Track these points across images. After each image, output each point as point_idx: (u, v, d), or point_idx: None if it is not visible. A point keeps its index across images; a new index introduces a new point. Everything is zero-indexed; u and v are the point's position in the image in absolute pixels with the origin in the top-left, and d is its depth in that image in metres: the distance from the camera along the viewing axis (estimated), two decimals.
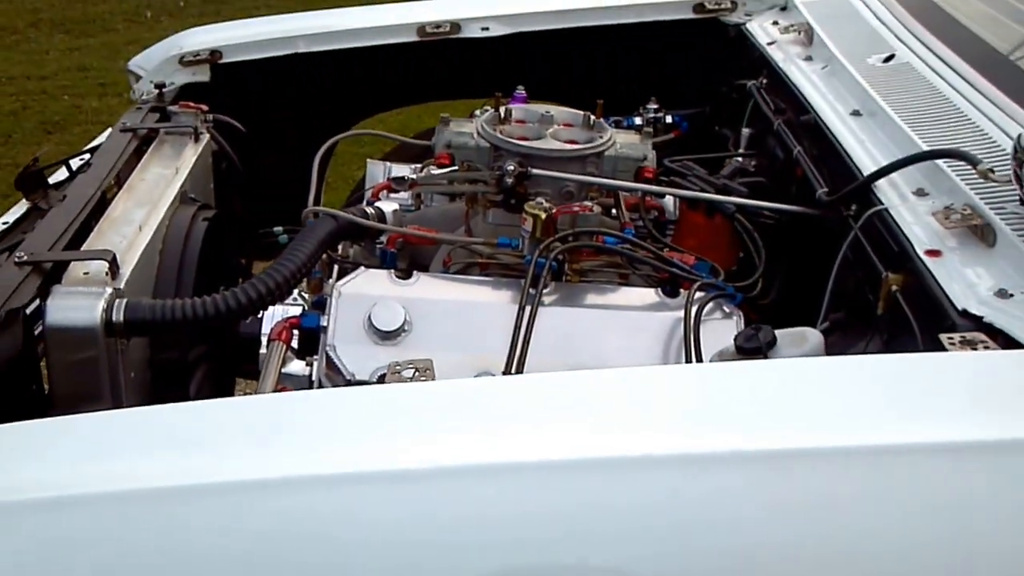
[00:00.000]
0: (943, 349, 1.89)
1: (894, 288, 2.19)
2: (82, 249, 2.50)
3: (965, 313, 1.98)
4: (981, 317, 1.96)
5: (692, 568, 1.60)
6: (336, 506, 1.60)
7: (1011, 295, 2.00)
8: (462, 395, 1.84)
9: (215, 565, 1.58)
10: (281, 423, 1.76)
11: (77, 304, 2.28)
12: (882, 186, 2.42)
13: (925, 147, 2.47)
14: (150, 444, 1.72)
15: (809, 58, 3.30)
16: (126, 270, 2.44)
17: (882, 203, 2.36)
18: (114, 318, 2.28)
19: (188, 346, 2.67)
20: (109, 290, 2.31)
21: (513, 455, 1.63)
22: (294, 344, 2.62)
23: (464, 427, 1.72)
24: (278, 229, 3.17)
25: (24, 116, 8.49)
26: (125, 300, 2.31)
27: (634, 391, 1.81)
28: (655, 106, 3.46)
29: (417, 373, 1.96)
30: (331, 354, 2.46)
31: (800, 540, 1.60)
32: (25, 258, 2.37)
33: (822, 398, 1.75)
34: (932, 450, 1.63)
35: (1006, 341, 1.89)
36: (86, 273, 2.37)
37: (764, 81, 3.33)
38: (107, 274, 2.36)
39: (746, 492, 1.61)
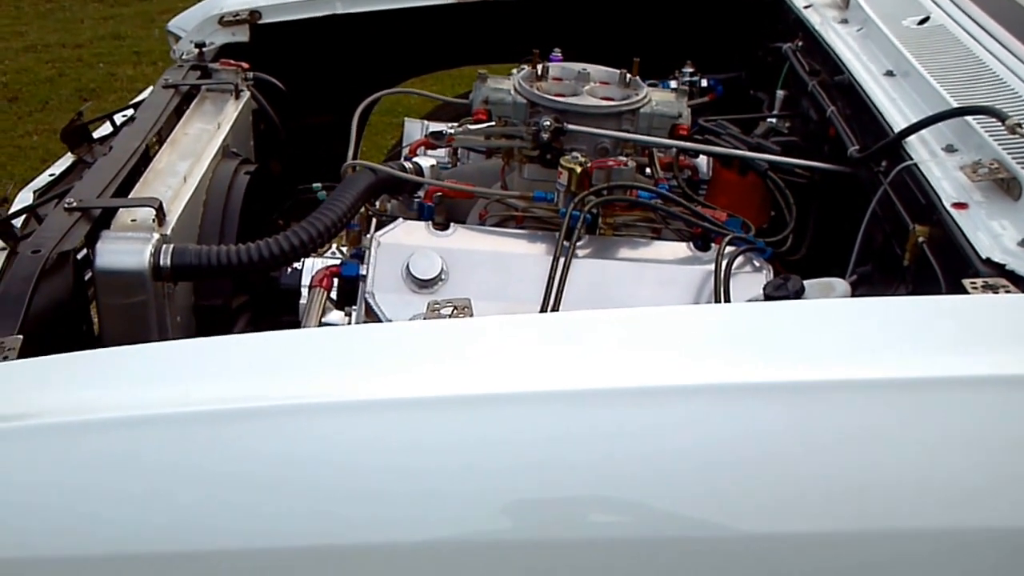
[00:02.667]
0: (966, 294, 1.94)
1: (921, 240, 2.23)
2: (129, 197, 2.55)
3: (989, 262, 2.01)
4: (1004, 265, 2.00)
5: (718, 501, 1.64)
6: (370, 432, 1.65)
7: None
8: (496, 328, 1.89)
9: (251, 484, 1.63)
10: (323, 353, 1.81)
11: (125, 248, 2.34)
12: (912, 143, 2.46)
13: (956, 105, 2.51)
14: (202, 371, 1.77)
15: (845, 21, 3.33)
16: (172, 218, 2.50)
17: (912, 159, 2.39)
18: (161, 262, 2.34)
19: (231, 294, 2.73)
20: (156, 236, 2.37)
21: (542, 385, 1.67)
22: (333, 295, 2.67)
23: (497, 357, 1.76)
24: (316, 185, 3.20)
25: (60, 83, 8.55)
26: (172, 245, 2.37)
27: (665, 325, 1.85)
28: (691, 70, 3.50)
29: (456, 311, 2.01)
30: (370, 301, 2.51)
31: (832, 471, 1.63)
32: (75, 205, 2.43)
33: (849, 334, 1.79)
34: (954, 383, 1.67)
35: None
36: (133, 220, 2.42)
37: (799, 44, 3.35)
38: (154, 221, 2.41)
39: (775, 423, 1.65)
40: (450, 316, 2.01)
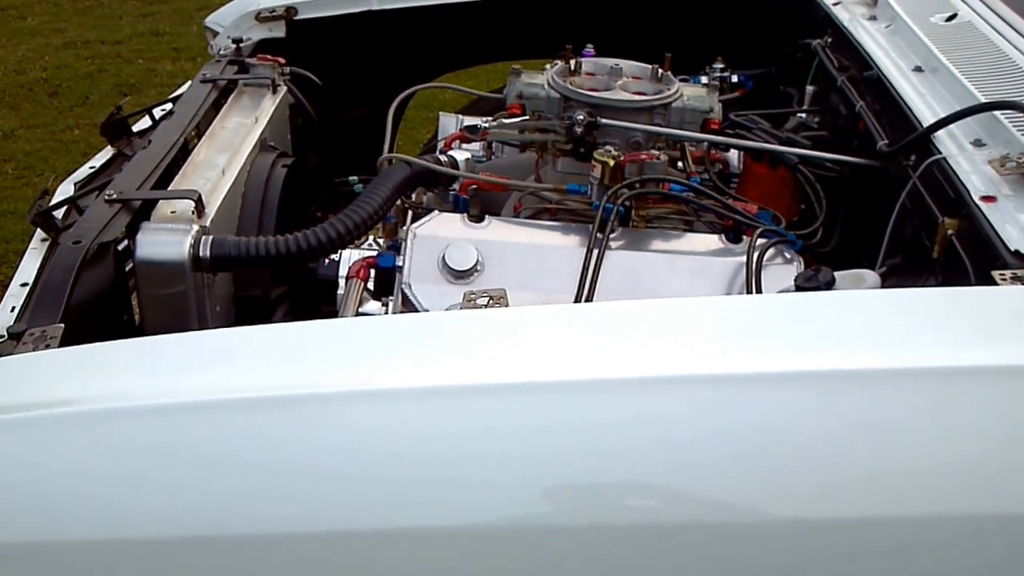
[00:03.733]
0: (995, 285, 1.96)
1: (950, 232, 2.25)
2: (169, 189, 2.60)
3: (1017, 254, 2.03)
4: None
5: (756, 491, 1.67)
6: (407, 420, 1.68)
7: None
8: (531, 318, 1.91)
9: (288, 471, 1.66)
10: (361, 342, 1.84)
11: (165, 239, 2.39)
12: (941, 137, 2.48)
13: (984, 100, 2.53)
14: (240, 360, 1.81)
15: (873, 18, 3.35)
16: (211, 210, 2.54)
17: (940, 153, 2.42)
18: (200, 253, 2.38)
19: (270, 285, 2.77)
20: (195, 227, 2.41)
21: (577, 373, 1.70)
22: (370, 286, 2.70)
23: (532, 347, 1.79)
24: (353, 178, 3.24)
25: (100, 79, 8.62)
26: (211, 236, 2.41)
27: (698, 315, 1.88)
28: (721, 66, 3.51)
29: (491, 301, 2.04)
30: (406, 292, 2.55)
31: (862, 458, 1.65)
32: (115, 196, 2.47)
33: (879, 324, 1.81)
34: (983, 372, 1.69)
35: None
36: (173, 212, 2.47)
37: (829, 40, 3.37)
38: (193, 212, 2.46)
39: (807, 411, 1.67)
40: (486, 306, 2.04)
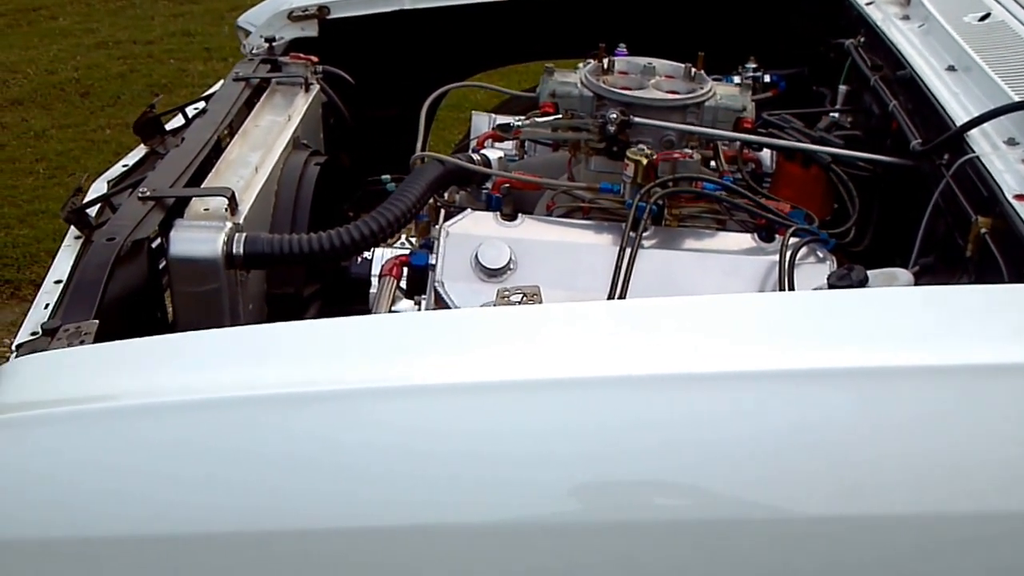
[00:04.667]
0: None
1: (983, 231, 2.24)
2: (202, 186, 2.60)
3: None
4: None
5: (792, 488, 1.67)
6: (437, 417, 1.69)
7: None
8: (564, 315, 1.92)
9: (321, 467, 1.67)
10: (396, 338, 1.85)
11: (199, 237, 2.39)
12: (974, 136, 2.47)
13: (1017, 99, 2.52)
14: (271, 356, 1.82)
15: (906, 17, 3.34)
16: (244, 207, 2.54)
17: (974, 151, 2.41)
18: (234, 250, 2.38)
19: (303, 282, 2.77)
20: (229, 224, 2.41)
21: (612, 370, 1.71)
22: (402, 285, 2.71)
23: (566, 343, 1.79)
24: (385, 177, 3.24)
25: (132, 79, 8.64)
26: (244, 234, 2.42)
27: (731, 312, 1.88)
28: (754, 65, 3.51)
29: (525, 298, 2.04)
30: (439, 290, 2.56)
31: (895, 456, 1.66)
32: (148, 194, 2.48)
33: (917, 321, 1.81)
34: (1018, 370, 1.69)
35: None
36: (206, 209, 2.47)
37: (862, 39, 3.37)
38: (227, 210, 2.46)
39: (841, 408, 1.68)
40: (520, 303, 2.04)
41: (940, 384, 1.69)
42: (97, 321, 2.05)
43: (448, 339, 1.84)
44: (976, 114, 2.52)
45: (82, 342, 1.97)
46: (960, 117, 2.57)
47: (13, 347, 2.13)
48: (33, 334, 2.13)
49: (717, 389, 1.69)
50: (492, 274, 2.56)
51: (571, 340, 1.80)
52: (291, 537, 1.66)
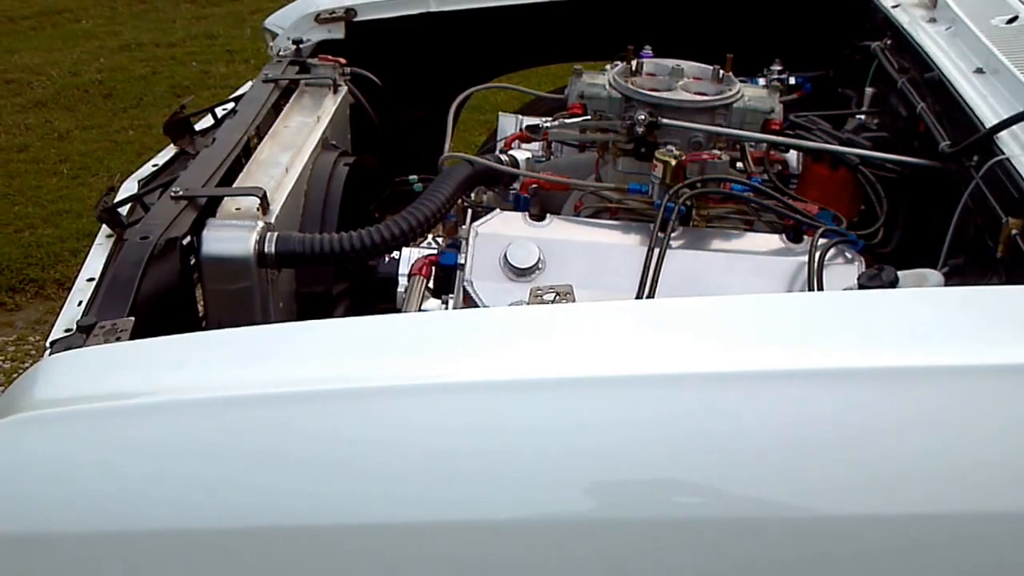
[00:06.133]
0: None
1: (1014, 232, 2.24)
2: (234, 186, 2.62)
3: None
4: None
5: (807, 482, 1.67)
6: (469, 413, 1.70)
7: None
8: (594, 314, 1.92)
9: (348, 464, 1.68)
10: (428, 335, 1.86)
11: (231, 236, 2.41)
12: (1003, 138, 2.47)
13: None
14: (301, 354, 1.82)
15: (933, 20, 3.34)
16: (275, 207, 2.57)
17: (1003, 153, 2.41)
18: (266, 249, 2.40)
19: (332, 282, 2.79)
20: (261, 224, 2.43)
21: (635, 369, 1.72)
22: (430, 285, 2.72)
23: (597, 341, 1.80)
24: (413, 178, 3.27)
25: (154, 81, 8.67)
26: (276, 233, 2.43)
27: (762, 312, 1.88)
28: (779, 68, 3.52)
29: (558, 296, 2.05)
30: (468, 289, 2.57)
31: (925, 454, 1.66)
32: (181, 193, 2.50)
33: (953, 320, 1.82)
34: None
35: None
36: (238, 208, 2.49)
37: (888, 42, 3.37)
38: (258, 209, 2.48)
39: (876, 406, 1.68)
40: (553, 301, 2.05)
41: (976, 383, 1.69)
42: (133, 318, 2.07)
43: (480, 337, 1.84)
44: (1005, 116, 2.52)
45: (118, 339, 1.99)
46: (989, 119, 2.57)
47: (48, 343, 2.14)
48: (67, 331, 2.14)
49: (748, 387, 1.69)
50: (521, 274, 2.57)
51: (600, 338, 1.81)
52: (312, 533, 1.67)
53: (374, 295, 2.87)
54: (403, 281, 2.72)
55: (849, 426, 1.67)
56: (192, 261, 2.44)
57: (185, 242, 2.40)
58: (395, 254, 2.78)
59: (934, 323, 1.81)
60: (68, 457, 1.69)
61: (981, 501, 1.66)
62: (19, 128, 7.79)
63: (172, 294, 2.35)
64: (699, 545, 1.67)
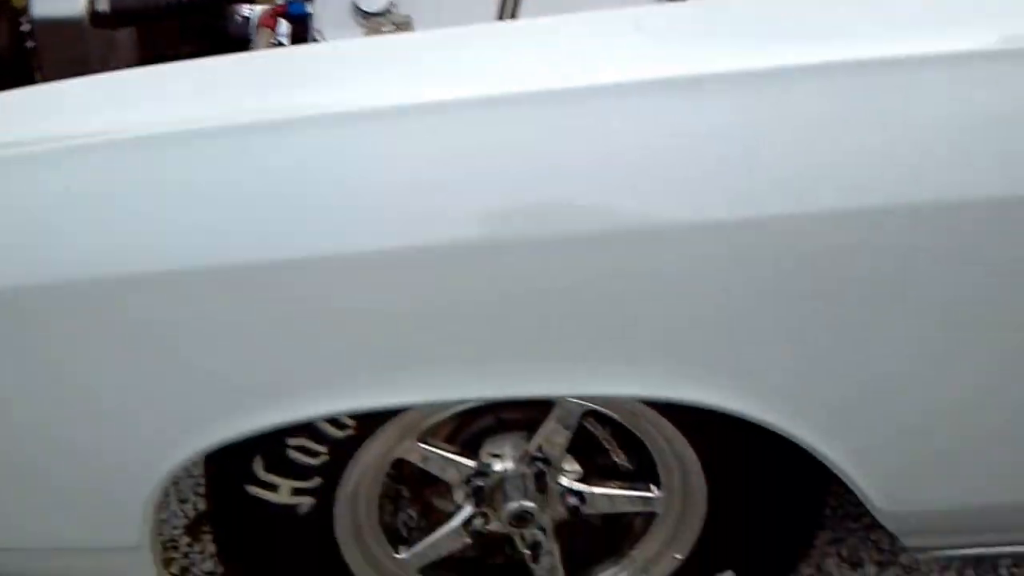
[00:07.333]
0: None
1: None
2: None
3: None
4: None
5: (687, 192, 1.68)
6: (326, 145, 1.70)
7: None
8: (443, 40, 1.88)
9: (226, 199, 1.70)
10: (280, 71, 1.86)
11: None
12: None
13: None
14: (155, 96, 1.83)
15: None
16: None
17: None
18: (99, 7, 2.30)
19: (179, 43, 2.69)
20: None
21: (496, 89, 1.70)
22: (284, 40, 2.63)
23: (447, 66, 1.77)
24: None
25: None
26: None
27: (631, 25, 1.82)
28: None
29: (396, 28, 1.99)
30: (318, 39, 2.48)
31: (833, 151, 1.69)
32: None
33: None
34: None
35: None
36: None
37: None
38: None
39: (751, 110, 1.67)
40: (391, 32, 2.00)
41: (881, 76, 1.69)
42: None
43: (323, 70, 1.85)
44: None
45: None
46: None
47: None
48: None
49: (631, 97, 1.69)
50: (371, 18, 2.47)
51: (454, 62, 1.79)
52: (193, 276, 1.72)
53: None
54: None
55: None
56: (26, 28, 2.34)
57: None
58: (247, 13, 2.68)
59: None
60: None
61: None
62: None
63: (4, 65, 2.26)
64: (596, 261, 1.70)
